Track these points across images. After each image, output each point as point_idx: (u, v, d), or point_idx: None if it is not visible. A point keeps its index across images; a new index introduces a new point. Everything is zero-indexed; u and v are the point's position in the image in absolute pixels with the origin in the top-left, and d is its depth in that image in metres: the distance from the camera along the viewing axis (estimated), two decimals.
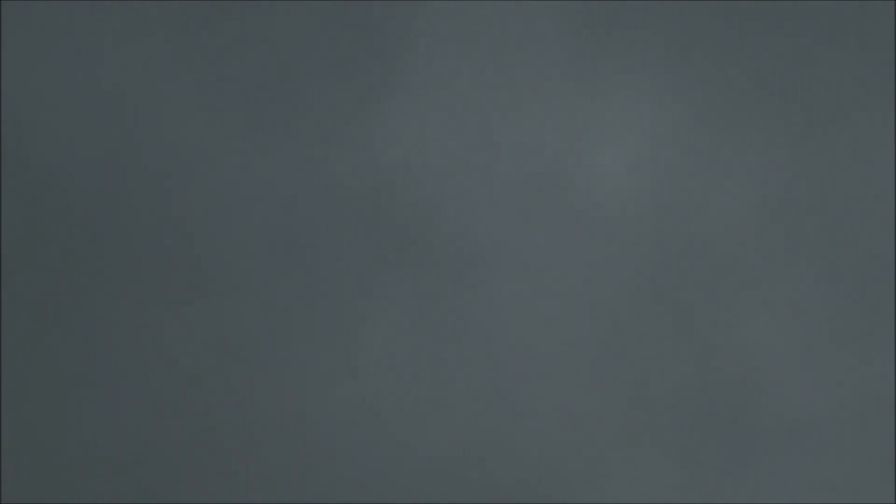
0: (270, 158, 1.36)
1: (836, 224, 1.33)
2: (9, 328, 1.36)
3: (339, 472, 1.33)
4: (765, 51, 1.35)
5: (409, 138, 1.35)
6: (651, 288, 1.33)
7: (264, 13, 1.37)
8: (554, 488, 1.32)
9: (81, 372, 1.35)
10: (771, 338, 1.32)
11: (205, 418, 1.34)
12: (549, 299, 1.33)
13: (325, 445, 1.33)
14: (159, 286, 1.36)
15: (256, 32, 1.37)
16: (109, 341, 1.36)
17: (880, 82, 1.34)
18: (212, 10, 1.37)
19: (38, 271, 1.36)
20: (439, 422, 1.33)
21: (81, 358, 1.36)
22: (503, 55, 1.35)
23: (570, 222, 1.33)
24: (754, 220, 1.33)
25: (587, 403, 1.32)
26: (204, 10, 1.38)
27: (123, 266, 1.37)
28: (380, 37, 1.36)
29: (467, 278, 1.33)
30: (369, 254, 1.34)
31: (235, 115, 1.37)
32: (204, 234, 1.36)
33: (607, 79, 1.34)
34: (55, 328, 1.35)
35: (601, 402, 1.32)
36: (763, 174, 1.33)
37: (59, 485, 1.35)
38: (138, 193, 1.36)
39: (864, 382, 1.31)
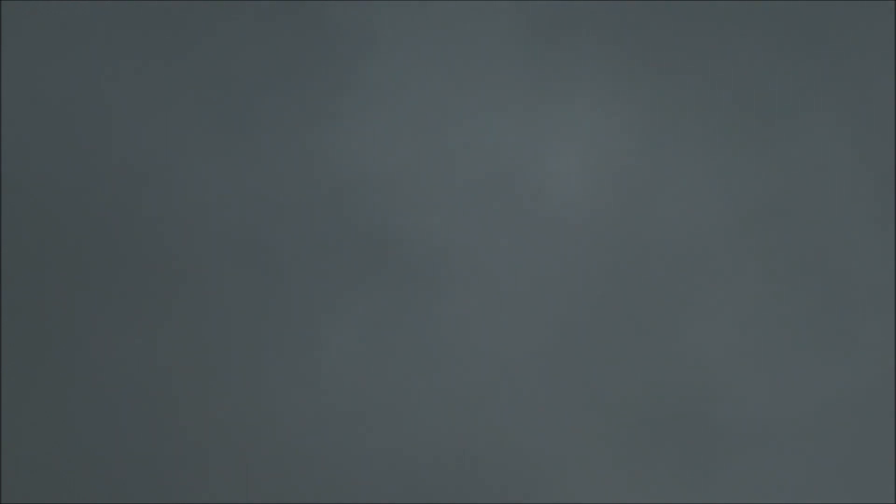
0: (232, 167, 1.35)
1: (792, 228, 1.32)
2: None
3: (302, 474, 1.33)
4: (718, 55, 1.34)
5: (367, 145, 1.35)
6: (607, 291, 1.32)
7: (225, 23, 1.36)
8: (514, 489, 1.32)
9: (52, 374, 1.35)
10: (726, 342, 1.31)
11: (169, 420, 1.34)
12: (507, 303, 1.33)
13: (288, 448, 1.33)
14: (125, 293, 1.35)
15: (218, 43, 1.36)
16: (76, 346, 1.35)
17: (835, 86, 1.32)
18: (175, 19, 1.36)
19: (10, 276, 1.35)
20: (400, 425, 1.33)
21: (48, 362, 1.35)
22: (458, 63, 1.34)
23: (527, 226, 1.33)
24: (709, 224, 1.32)
25: (546, 407, 1.32)
26: (168, 20, 1.36)
27: (88, 275, 1.35)
28: (337, 46, 1.35)
29: (427, 283, 1.33)
30: (330, 260, 1.34)
31: (198, 123, 1.36)
32: (167, 242, 1.35)
33: (561, 83, 1.33)
34: (28, 332, 1.35)
35: (560, 405, 1.32)
36: (717, 178, 1.32)
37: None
38: (100, 202, 1.35)
39: (819, 387, 1.31)
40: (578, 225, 1.33)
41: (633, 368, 1.32)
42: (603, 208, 1.32)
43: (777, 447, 1.31)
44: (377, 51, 1.35)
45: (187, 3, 1.36)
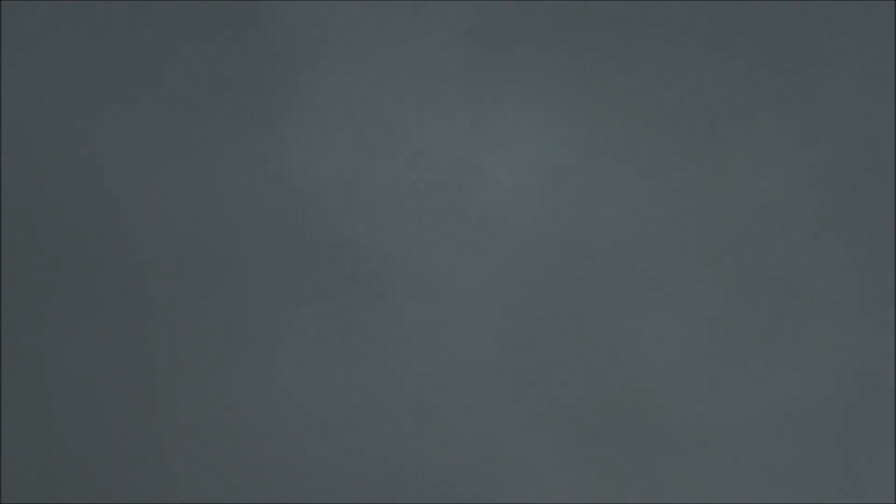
0: (186, 178, 1.35)
1: (735, 233, 1.31)
2: None
3: (258, 482, 1.33)
4: (656, 58, 1.33)
5: (318, 156, 1.34)
6: (556, 297, 1.32)
7: (170, 31, 1.35)
8: (466, 492, 1.33)
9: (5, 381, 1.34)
10: (672, 347, 1.31)
11: (122, 427, 1.34)
12: (458, 311, 1.33)
13: (245, 457, 1.33)
14: (79, 300, 1.34)
15: (165, 51, 1.35)
16: (26, 353, 1.34)
17: (777, 90, 1.32)
18: (129, 33, 1.35)
19: None
20: (356, 433, 1.34)
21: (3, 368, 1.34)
22: (402, 74, 1.34)
23: (476, 234, 1.33)
24: (652, 229, 1.31)
25: (496, 413, 1.32)
26: (121, 33, 1.35)
27: (42, 282, 1.34)
28: (286, 59, 1.35)
29: (380, 292, 1.33)
30: (284, 270, 1.34)
31: (151, 135, 1.35)
32: (121, 254, 1.34)
33: (504, 91, 1.33)
34: None
35: (509, 411, 1.32)
36: (658, 183, 1.32)
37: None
38: (47, 210, 1.34)
39: (766, 393, 1.30)
40: (526, 232, 1.32)
41: (581, 373, 1.31)
42: (550, 215, 1.31)
43: (725, 452, 1.30)
44: (325, 63, 1.34)
45: (142, 17, 1.35)
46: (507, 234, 1.32)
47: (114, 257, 1.35)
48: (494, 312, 1.32)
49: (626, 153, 1.32)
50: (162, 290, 1.34)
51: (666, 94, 1.32)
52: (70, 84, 1.35)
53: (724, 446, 1.30)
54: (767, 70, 1.32)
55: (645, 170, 1.32)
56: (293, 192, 1.34)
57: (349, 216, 1.34)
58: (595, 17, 1.32)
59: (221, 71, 1.35)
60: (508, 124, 1.33)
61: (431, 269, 1.33)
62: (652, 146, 1.32)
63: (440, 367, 1.33)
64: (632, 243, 1.31)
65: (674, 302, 1.31)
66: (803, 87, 1.31)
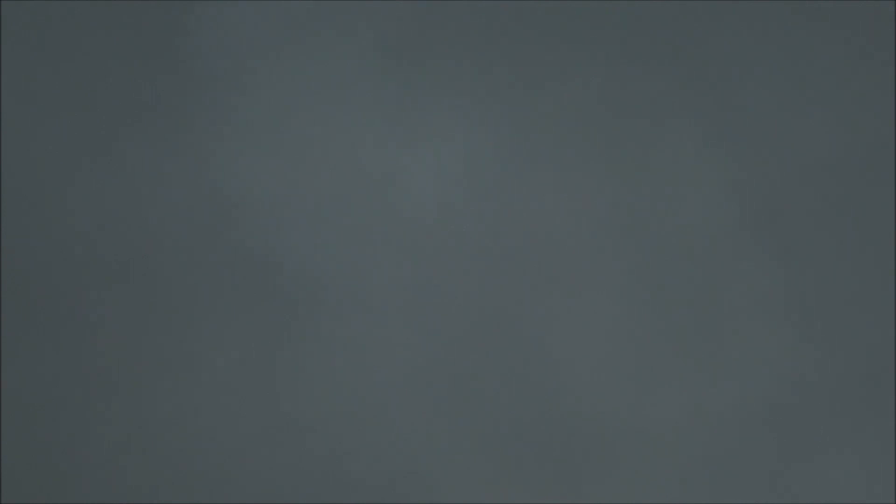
0: (115, 191, 1.37)
1: (657, 241, 1.33)
2: None
3: (184, 495, 1.35)
4: (576, 66, 1.34)
5: (244, 170, 1.36)
6: (481, 304, 1.34)
7: (98, 47, 1.37)
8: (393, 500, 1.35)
9: None
10: (594, 354, 1.33)
11: (35, 441, 1.35)
12: (384, 321, 1.35)
13: (168, 469, 1.35)
14: (4, 312, 1.35)
15: (93, 67, 1.37)
16: None
17: (695, 98, 1.33)
18: (53, 41, 1.38)
19: None
20: (281, 445, 1.35)
21: None
22: (322, 84, 1.36)
23: (397, 244, 1.35)
24: (577, 233, 1.33)
25: (418, 423, 1.34)
26: (62, 48, 1.38)
27: None
28: (205, 71, 1.37)
29: (305, 304, 1.35)
30: (210, 283, 1.36)
31: (81, 145, 1.37)
32: (46, 264, 1.36)
33: (425, 102, 1.35)
34: None
35: (432, 422, 1.34)
36: (581, 190, 1.33)
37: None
38: None
39: (686, 400, 1.32)
40: (449, 243, 1.34)
41: (505, 382, 1.33)
42: (474, 226, 1.34)
43: (648, 456, 1.32)
44: (248, 79, 1.37)
45: (73, 34, 1.38)
46: (430, 245, 1.35)
47: (39, 270, 1.37)
48: (418, 324, 1.35)
49: (548, 161, 1.34)
50: (88, 303, 1.36)
51: (586, 102, 1.35)
52: (9, 95, 1.38)
53: (647, 450, 1.32)
54: (687, 79, 1.34)
55: (567, 178, 1.34)
56: (218, 206, 1.37)
57: (273, 230, 1.36)
58: (515, 24, 1.35)
59: (146, 88, 1.38)
60: (431, 135, 1.36)
61: (357, 281, 1.35)
62: (573, 154, 1.34)
63: (364, 378, 1.35)
64: (555, 252, 1.34)
65: (597, 310, 1.33)
66: (724, 97, 1.34)
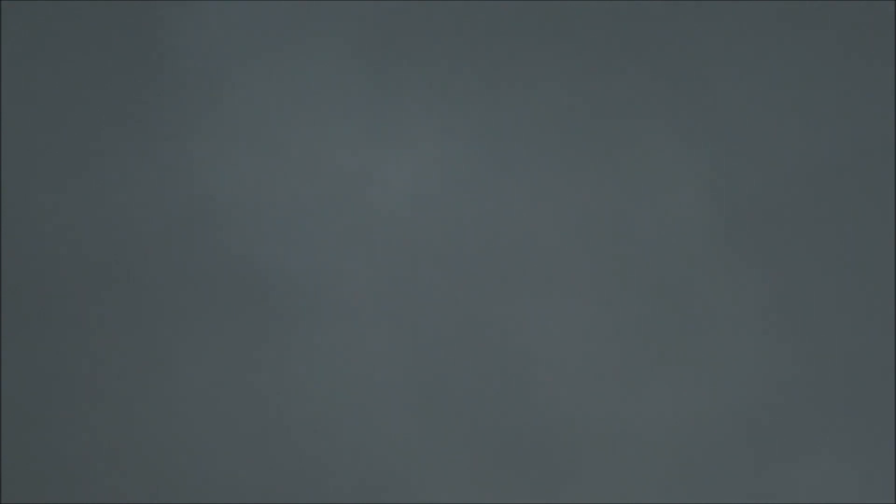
0: (92, 195, 1.37)
1: (634, 242, 1.33)
2: None
3: (167, 499, 1.35)
4: (552, 66, 1.34)
5: (215, 172, 1.36)
6: (453, 308, 1.34)
7: (77, 50, 1.38)
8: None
9: None
10: (571, 356, 1.33)
11: (18, 447, 1.35)
12: (357, 324, 1.35)
13: (147, 475, 1.35)
14: None
15: (71, 70, 1.37)
16: None
17: (671, 99, 1.33)
18: (31, 44, 1.38)
19: None
20: (261, 452, 1.35)
21: None
22: (298, 86, 1.36)
23: (374, 246, 1.35)
24: (554, 238, 1.33)
25: (396, 427, 1.34)
26: (23, 43, 1.38)
27: None
28: (183, 75, 1.37)
29: (285, 310, 1.35)
30: (189, 288, 1.36)
31: (52, 151, 1.37)
32: (23, 268, 1.36)
33: (400, 108, 1.35)
34: None
35: (411, 425, 1.34)
36: (558, 190, 1.33)
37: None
38: None
39: (664, 403, 1.32)
40: (425, 245, 1.34)
41: (483, 384, 1.33)
42: (453, 227, 1.34)
43: (629, 459, 1.32)
44: (232, 81, 1.37)
45: (52, 37, 1.38)
46: (409, 247, 1.35)
47: (17, 273, 1.37)
48: (398, 326, 1.34)
49: (525, 162, 1.34)
50: (68, 308, 1.36)
51: (563, 103, 1.34)
52: None
53: (628, 456, 1.32)
54: (665, 80, 1.34)
55: (545, 179, 1.33)
56: (197, 210, 1.36)
57: (254, 234, 1.36)
58: (489, 24, 1.34)
59: (124, 92, 1.38)
60: (409, 137, 1.35)
61: (335, 283, 1.35)
62: (551, 155, 1.34)
63: (344, 380, 1.35)
64: (534, 253, 1.34)
65: (577, 312, 1.33)
66: (702, 98, 1.33)
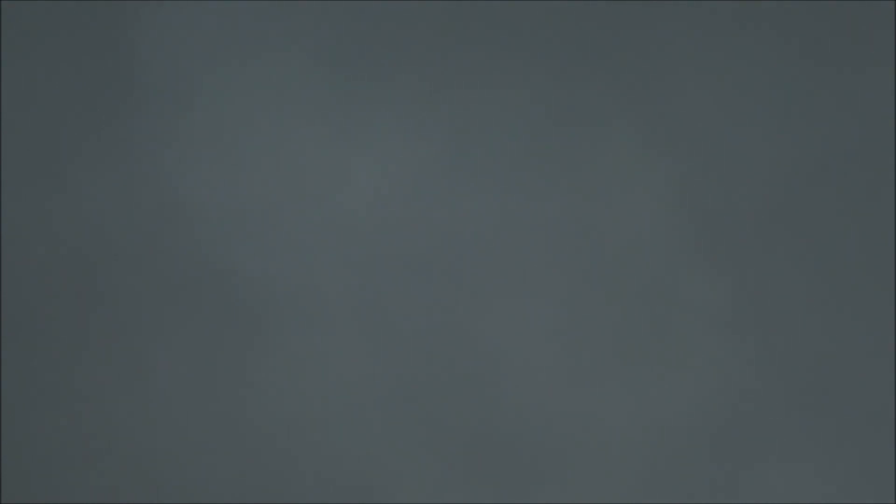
0: (63, 197, 1.37)
1: (602, 243, 1.32)
2: None
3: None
4: (520, 67, 1.33)
5: (191, 180, 1.36)
6: (425, 309, 1.34)
7: (51, 55, 1.37)
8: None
9: None
10: (541, 356, 1.32)
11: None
12: (330, 326, 1.34)
13: (115, 476, 1.34)
14: None
15: (43, 77, 1.37)
16: None
17: (633, 108, 1.32)
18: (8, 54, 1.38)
19: None
20: (229, 455, 1.34)
21: None
22: (274, 94, 1.36)
23: (343, 248, 1.34)
24: (520, 238, 1.33)
25: (369, 427, 1.34)
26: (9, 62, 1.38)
27: None
28: (157, 84, 1.37)
29: (254, 313, 1.35)
30: (159, 291, 1.35)
31: (27, 160, 1.37)
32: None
33: (365, 115, 1.35)
34: None
35: (384, 426, 1.33)
36: (526, 190, 1.32)
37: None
38: None
39: (636, 404, 1.32)
40: (396, 246, 1.34)
41: (454, 384, 1.32)
42: (425, 230, 1.33)
43: (596, 462, 1.31)
44: (200, 88, 1.36)
45: (29, 48, 1.37)
46: (376, 251, 1.33)
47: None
48: (367, 329, 1.33)
49: (491, 167, 1.32)
50: (39, 315, 1.35)
51: (528, 107, 1.32)
52: None
53: (594, 459, 1.31)
54: (629, 84, 1.32)
55: (511, 184, 1.32)
56: (167, 216, 1.35)
57: (223, 239, 1.35)
58: (458, 26, 1.33)
59: (95, 98, 1.37)
60: (374, 142, 1.34)
61: (305, 287, 1.34)
62: (516, 160, 1.32)
63: (314, 383, 1.34)
64: (501, 257, 1.32)
65: (544, 316, 1.31)
66: (667, 102, 1.31)
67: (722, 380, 1.30)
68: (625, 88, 1.32)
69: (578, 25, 1.33)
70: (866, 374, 1.29)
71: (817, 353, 1.30)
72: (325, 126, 1.34)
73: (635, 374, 1.31)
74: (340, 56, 1.35)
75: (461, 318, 1.32)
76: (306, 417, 1.34)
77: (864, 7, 1.31)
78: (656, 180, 1.31)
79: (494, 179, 1.33)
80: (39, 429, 1.36)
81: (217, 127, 1.36)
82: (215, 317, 1.34)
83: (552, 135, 1.32)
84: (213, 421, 1.34)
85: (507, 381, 1.32)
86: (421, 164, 1.33)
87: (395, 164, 1.33)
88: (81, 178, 1.37)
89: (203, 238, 1.35)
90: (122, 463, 1.35)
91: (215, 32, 1.36)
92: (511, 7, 1.33)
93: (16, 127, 1.37)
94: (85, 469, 1.36)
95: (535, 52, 1.33)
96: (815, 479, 1.29)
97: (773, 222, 1.31)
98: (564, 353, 1.32)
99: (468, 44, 1.34)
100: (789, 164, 1.31)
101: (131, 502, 1.34)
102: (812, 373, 1.30)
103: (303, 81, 1.35)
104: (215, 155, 1.35)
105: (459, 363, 1.32)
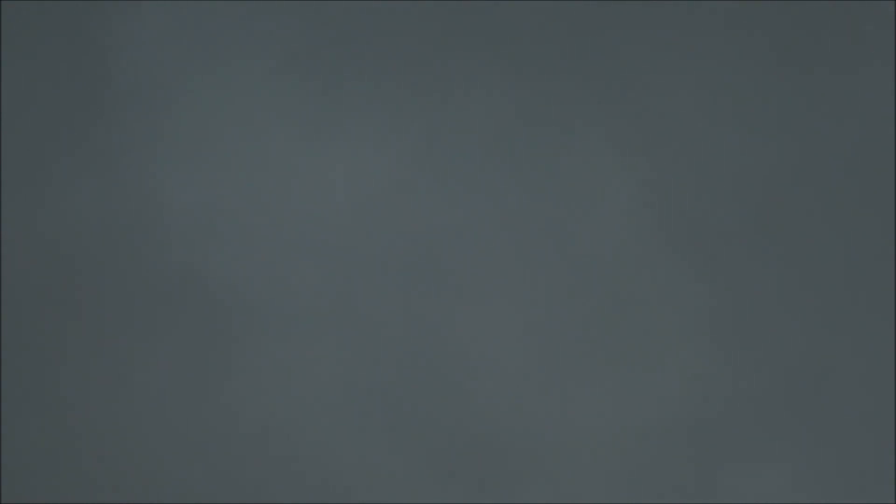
0: (41, 201, 1.36)
1: (568, 244, 1.32)
2: None
3: None
4: (489, 75, 1.33)
5: (165, 183, 1.35)
6: (398, 315, 1.33)
7: (30, 59, 1.37)
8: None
9: None
10: (514, 360, 1.32)
11: None
12: (303, 332, 1.34)
13: (97, 484, 1.35)
14: None
15: (23, 79, 1.37)
16: None
17: (602, 110, 1.32)
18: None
19: None
20: (210, 462, 1.35)
21: None
22: (247, 98, 1.35)
23: (315, 251, 1.34)
24: (493, 244, 1.33)
25: (342, 433, 1.34)
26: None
27: None
28: (130, 88, 1.36)
29: (235, 320, 1.35)
30: (139, 297, 1.35)
31: (3, 163, 1.37)
32: None
33: (339, 121, 1.35)
34: None
35: (357, 432, 1.34)
36: (496, 196, 1.32)
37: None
38: None
39: (600, 407, 1.32)
40: (369, 249, 1.34)
41: (427, 389, 1.33)
42: (396, 233, 1.33)
43: (568, 466, 1.31)
44: (172, 91, 1.36)
45: (11, 54, 1.37)
46: (348, 254, 1.34)
47: None
48: (339, 331, 1.34)
49: (460, 170, 1.33)
50: (21, 315, 1.36)
51: (497, 109, 1.32)
52: None
53: (566, 463, 1.32)
54: (598, 86, 1.32)
55: (480, 186, 1.32)
56: (148, 220, 1.35)
57: (197, 243, 1.35)
58: (431, 30, 1.33)
59: (71, 103, 1.36)
60: (346, 145, 1.34)
61: (277, 290, 1.34)
62: (485, 162, 1.32)
63: (292, 387, 1.34)
64: (471, 259, 1.32)
65: (515, 319, 1.32)
66: (636, 104, 1.31)
67: (697, 381, 1.31)
68: (600, 90, 1.31)
69: (552, 27, 1.32)
70: (843, 376, 1.30)
71: (794, 355, 1.30)
72: (301, 129, 1.34)
73: (610, 376, 1.31)
74: (316, 60, 1.34)
75: (437, 320, 1.33)
76: (283, 420, 1.34)
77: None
78: (631, 181, 1.31)
79: (469, 182, 1.33)
80: (20, 431, 1.37)
81: (194, 131, 1.36)
82: (194, 320, 1.35)
83: (527, 137, 1.32)
84: (191, 423, 1.35)
85: (484, 382, 1.33)
86: (396, 166, 1.33)
87: (370, 167, 1.33)
88: (59, 182, 1.37)
89: (181, 242, 1.35)
90: (90, 466, 1.36)
91: (193, 36, 1.36)
92: (484, 10, 1.32)
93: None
94: (62, 474, 1.37)
95: (510, 55, 1.32)
96: (792, 479, 1.30)
97: (748, 223, 1.30)
98: (541, 355, 1.32)
99: (442, 47, 1.33)
100: (758, 166, 1.30)
101: (97, 500, 1.36)
102: (788, 374, 1.30)
103: (279, 85, 1.35)
104: (193, 159, 1.35)
105: (435, 365, 1.33)
